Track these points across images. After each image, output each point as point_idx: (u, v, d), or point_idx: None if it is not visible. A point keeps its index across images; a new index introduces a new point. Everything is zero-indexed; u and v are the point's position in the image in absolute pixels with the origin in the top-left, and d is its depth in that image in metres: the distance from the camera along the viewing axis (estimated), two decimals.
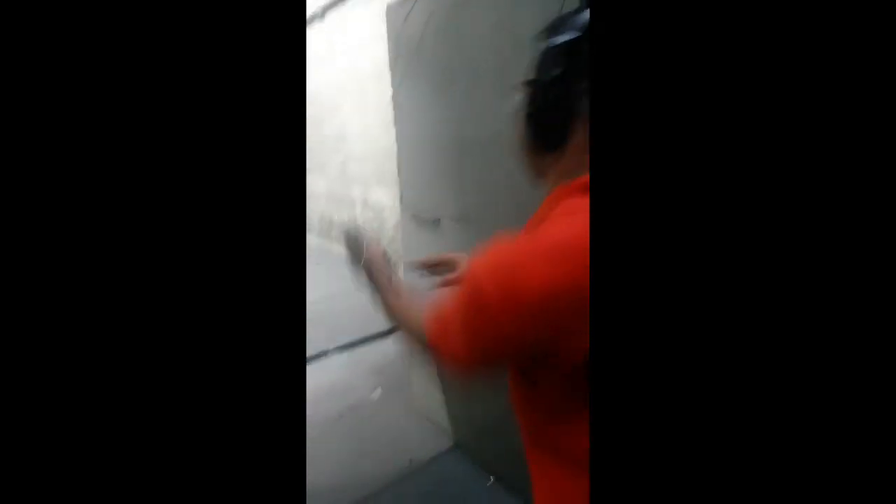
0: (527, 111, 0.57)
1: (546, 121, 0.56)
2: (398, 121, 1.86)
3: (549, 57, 0.53)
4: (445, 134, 1.61)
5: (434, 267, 0.93)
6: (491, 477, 1.70)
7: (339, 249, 4.87)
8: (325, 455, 1.91)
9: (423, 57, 1.64)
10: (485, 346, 0.52)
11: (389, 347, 2.44)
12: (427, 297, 0.65)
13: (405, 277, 1.67)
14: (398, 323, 0.71)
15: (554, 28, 0.54)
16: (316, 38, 4.59)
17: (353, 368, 2.53)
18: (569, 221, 0.50)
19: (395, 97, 1.84)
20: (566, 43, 0.52)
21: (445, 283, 0.87)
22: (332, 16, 4.38)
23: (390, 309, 0.74)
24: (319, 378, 2.37)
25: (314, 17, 4.53)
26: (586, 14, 0.51)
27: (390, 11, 1.76)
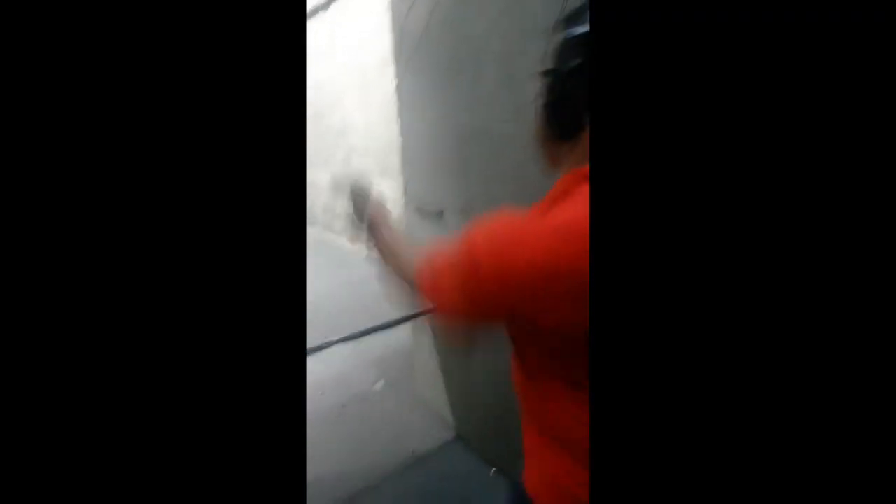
0: (544, 101, 0.57)
1: (563, 111, 0.56)
2: (402, 113, 1.86)
3: (568, 47, 0.54)
4: (449, 126, 1.61)
5: None
6: (492, 469, 1.72)
7: (342, 241, 4.87)
8: (327, 446, 1.92)
9: (426, 48, 1.63)
10: (468, 307, 0.56)
11: (392, 339, 2.45)
12: (422, 247, 0.68)
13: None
14: (392, 267, 0.76)
15: (572, 18, 0.54)
16: (319, 30, 4.57)
17: (355, 360, 2.55)
18: (581, 205, 0.50)
19: (398, 89, 1.84)
20: (585, 34, 0.52)
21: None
22: (335, 7, 4.36)
23: (386, 253, 0.79)
24: (322, 369, 2.38)
25: (318, 9, 4.51)
26: None
27: (394, 3, 1.76)
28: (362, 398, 2.29)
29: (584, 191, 0.52)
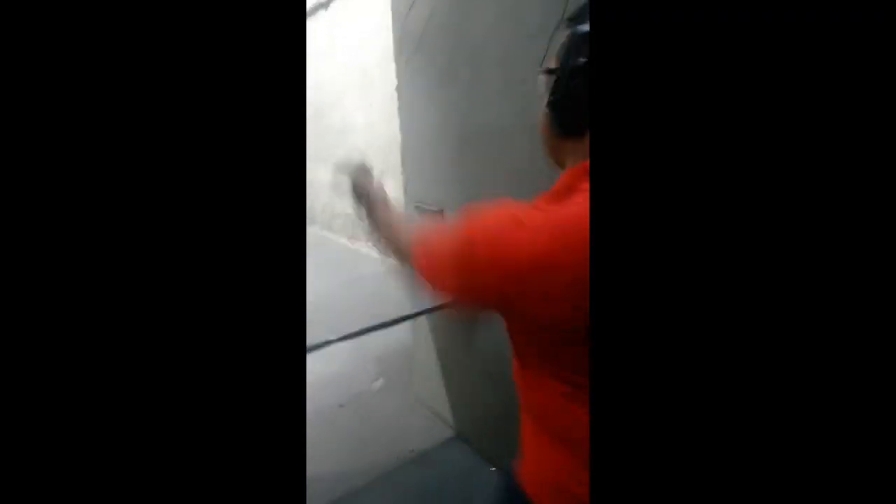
0: (549, 98, 0.58)
1: (568, 108, 0.56)
2: (402, 111, 1.86)
3: (573, 45, 0.54)
4: (450, 125, 1.61)
5: None
6: (492, 468, 1.72)
7: (341, 241, 4.87)
8: (326, 444, 1.92)
9: (427, 48, 1.63)
10: (461, 289, 0.58)
11: (391, 338, 2.45)
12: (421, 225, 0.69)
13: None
14: (391, 245, 0.77)
15: (578, 17, 0.55)
16: (320, 29, 4.56)
17: (354, 359, 2.55)
18: (584, 203, 0.51)
19: (398, 88, 1.84)
20: (588, 33, 0.52)
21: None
22: (336, 6, 4.35)
23: (385, 231, 0.80)
24: (321, 367, 2.38)
25: (318, 8, 4.51)
26: None
27: (395, 2, 1.76)
28: (361, 397, 2.29)
29: (588, 187, 0.52)
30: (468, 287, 0.57)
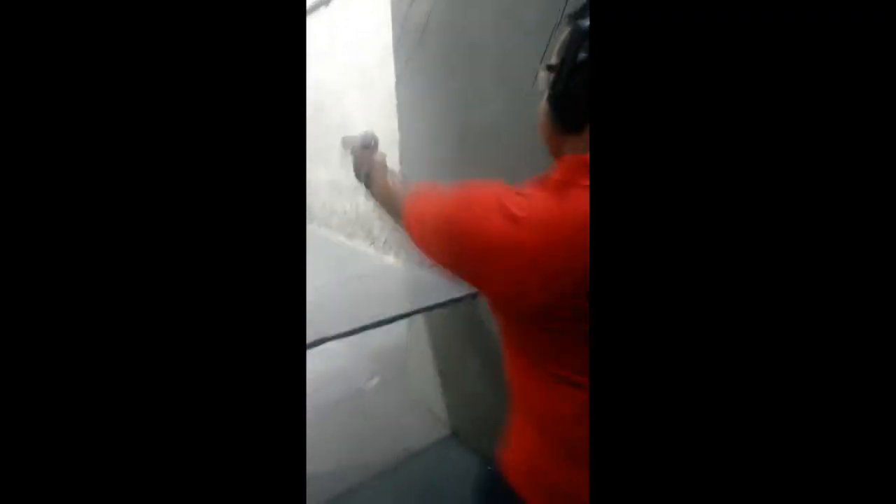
0: (550, 93, 0.58)
1: (568, 104, 0.57)
2: (401, 110, 1.85)
3: (575, 41, 0.54)
4: (448, 123, 1.60)
5: None
6: (489, 466, 1.71)
7: (339, 238, 4.86)
8: (321, 442, 1.92)
9: (426, 46, 1.63)
10: (442, 256, 0.63)
11: (387, 336, 2.45)
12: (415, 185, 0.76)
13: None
14: (386, 204, 0.84)
15: (580, 13, 0.55)
16: (319, 28, 4.55)
17: (350, 356, 2.54)
18: (579, 202, 0.51)
19: (398, 87, 1.84)
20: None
21: None
22: (335, 5, 4.34)
23: (382, 192, 0.86)
24: (318, 365, 2.38)
25: (318, 6, 4.50)
26: None
27: (394, 1, 1.75)
28: (357, 395, 2.28)
29: (587, 184, 0.52)
30: (447, 256, 0.62)
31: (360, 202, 4.42)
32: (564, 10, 0.58)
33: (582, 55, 0.53)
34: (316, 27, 4.58)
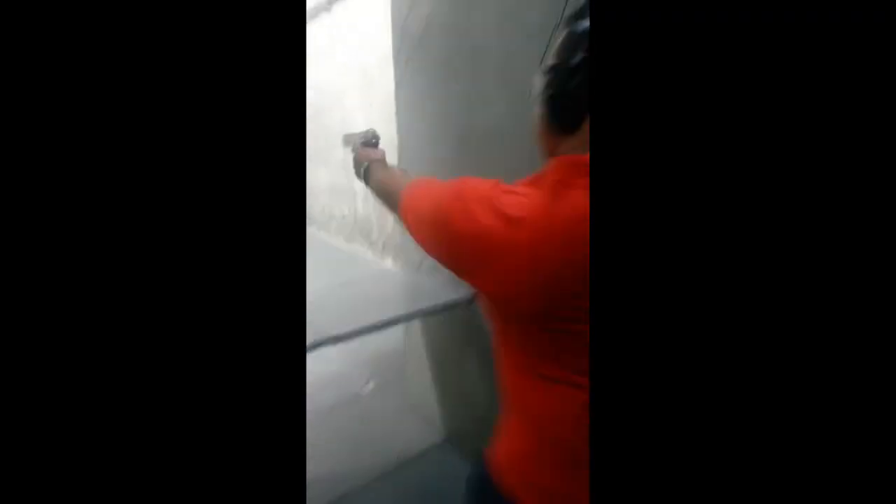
0: (545, 95, 0.58)
1: (563, 105, 0.57)
2: (400, 113, 1.86)
3: (570, 43, 0.54)
4: (448, 127, 1.61)
5: None
6: (479, 467, 1.70)
7: (338, 242, 4.87)
8: (318, 446, 1.91)
9: (427, 48, 1.63)
10: (431, 247, 0.65)
11: (385, 341, 2.45)
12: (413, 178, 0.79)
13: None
14: (384, 195, 0.86)
15: (578, 15, 0.55)
16: (320, 30, 4.57)
17: (347, 360, 2.54)
18: (574, 204, 0.52)
19: (398, 89, 1.84)
20: (587, 31, 0.53)
21: None
22: (338, 7, 4.36)
23: (381, 184, 0.88)
24: (315, 368, 2.37)
25: (319, 9, 4.52)
26: None
27: (395, 4, 1.76)
28: (353, 399, 2.28)
29: (584, 185, 0.52)
30: (440, 251, 0.63)
31: (359, 206, 4.43)
32: (564, 12, 0.58)
33: (577, 57, 0.53)
34: (317, 30, 4.60)
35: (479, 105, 1.46)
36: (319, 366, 2.39)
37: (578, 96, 0.54)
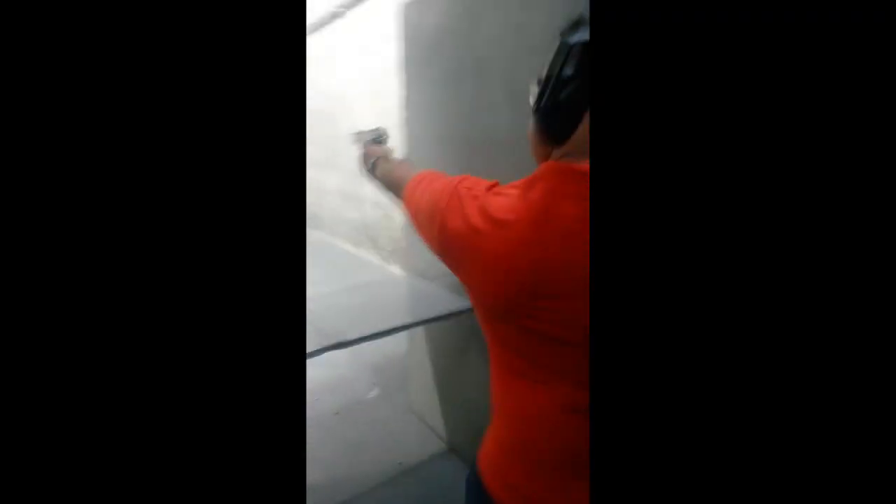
0: (539, 106, 0.59)
1: (555, 116, 0.58)
2: (409, 120, 1.87)
3: (561, 56, 0.55)
4: (456, 134, 1.61)
5: None
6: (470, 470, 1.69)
7: (346, 246, 4.89)
8: (319, 451, 1.91)
9: (435, 57, 1.64)
10: (431, 241, 0.67)
11: (388, 347, 2.44)
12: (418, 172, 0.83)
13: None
14: (390, 186, 0.91)
15: (572, 28, 0.55)
16: (333, 38, 4.62)
17: (351, 366, 2.53)
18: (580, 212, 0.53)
19: (406, 96, 1.85)
20: (580, 43, 0.53)
21: None
22: (349, 16, 4.41)
23: (387, 178, 0.94)
24: (317, 374, 2.37)
25: (333, 17, 4.57)
26: None
27: (405, 11, 1.77)
28: (356, 405, 2.27)
29: (571, 191, 0.54)
30: (430, 239, 0.67)
31: (368, 211, 4.45)
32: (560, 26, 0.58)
33: (567, 70, 0.54)
34: (329, 38, 4.65)
35: (484, 112, 1.47)
36: (326, 370, 2.39)
37: (568, 108, 0.55)
